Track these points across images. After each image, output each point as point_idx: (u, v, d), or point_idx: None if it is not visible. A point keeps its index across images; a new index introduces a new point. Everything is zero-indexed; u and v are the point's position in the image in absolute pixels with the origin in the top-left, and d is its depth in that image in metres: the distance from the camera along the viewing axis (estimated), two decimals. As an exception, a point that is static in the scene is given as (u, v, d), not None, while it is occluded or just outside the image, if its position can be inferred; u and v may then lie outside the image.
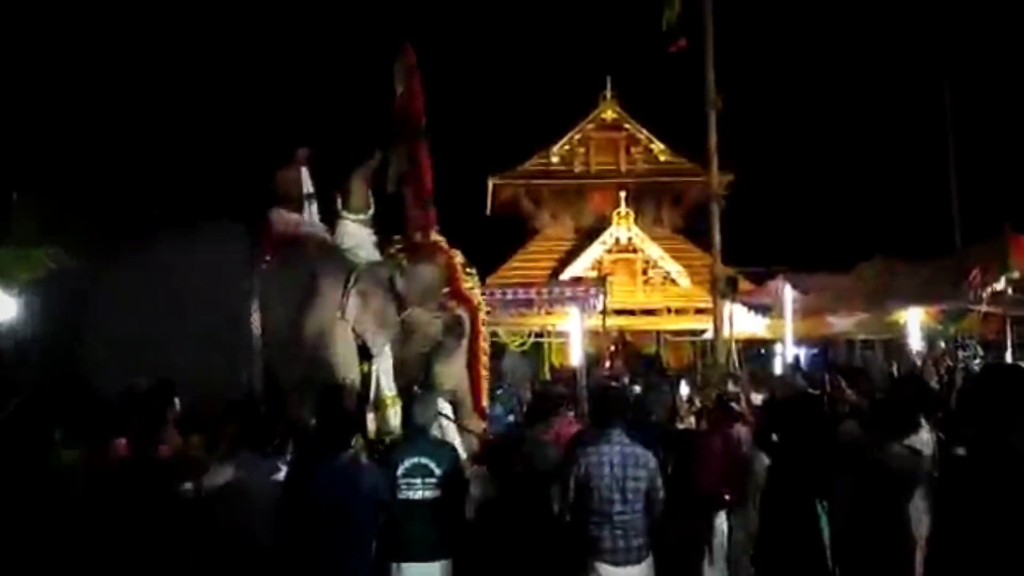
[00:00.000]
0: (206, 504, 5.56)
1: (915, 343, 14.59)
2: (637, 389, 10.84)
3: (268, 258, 8.30)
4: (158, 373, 7.05)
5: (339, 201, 8.82)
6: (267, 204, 8.85)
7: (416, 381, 8.67)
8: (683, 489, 6.50)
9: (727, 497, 6.99)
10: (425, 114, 9.33)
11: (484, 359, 8.85)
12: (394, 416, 8.11)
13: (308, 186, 9.01)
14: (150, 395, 6.50)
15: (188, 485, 5.60)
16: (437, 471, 5.81)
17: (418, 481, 5.80)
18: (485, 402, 8.96)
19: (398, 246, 8.98)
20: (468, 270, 8.99)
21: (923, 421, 6.15)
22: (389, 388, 8.19)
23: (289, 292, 8.18)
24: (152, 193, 21.51)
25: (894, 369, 12.72)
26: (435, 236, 9.16)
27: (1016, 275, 11.02)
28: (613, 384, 9.73)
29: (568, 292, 16.19)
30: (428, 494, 5.79)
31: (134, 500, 5.39)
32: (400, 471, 5.79)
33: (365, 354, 8.14)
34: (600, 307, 16.20)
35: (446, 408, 8.35)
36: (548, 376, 19.95)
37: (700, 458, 6.92)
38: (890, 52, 28.51)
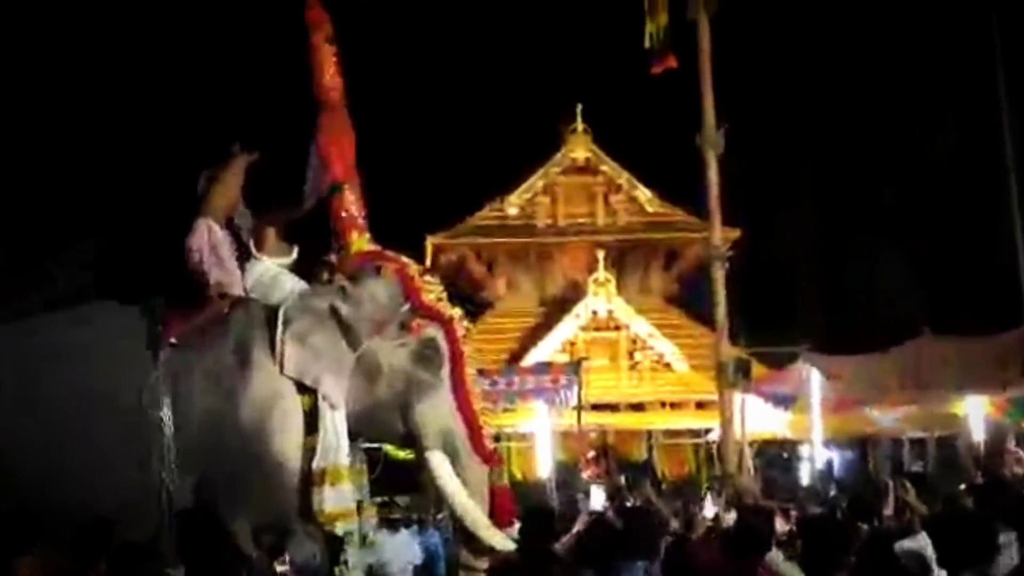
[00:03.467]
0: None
1: (978, 441, 14.71)
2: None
3: (174, 339, 8.11)
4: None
5: (252, 243, 8.73)
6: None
7: (394, 432, 8.49)
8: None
9: None
10: (339, 80, 9.31)
11: (473, 389, 8.63)
12: (352, 492, 7.94)
13: (241, 207, 8.85)
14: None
15: None
16: None
17: None
18: (488, 442, 8.71)
19: (329, 266, 8.80)
20: (427, 278, 8.81)
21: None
22: (345, 455, 8.00)
23: (212, 375, 8.03)
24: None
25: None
26: (366, 243, 9.01)
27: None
28: (644, 506, 9.57)
29: (532, 382, 16.18)
30: None
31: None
32: None
33: (311, 426, 7.98)
34: (574, 401, 16.19)
35: (442, 464, 8.21)
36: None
37: None
38: (940, 57, 29.00)
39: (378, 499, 11.83)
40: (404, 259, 8.74)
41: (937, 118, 29.31)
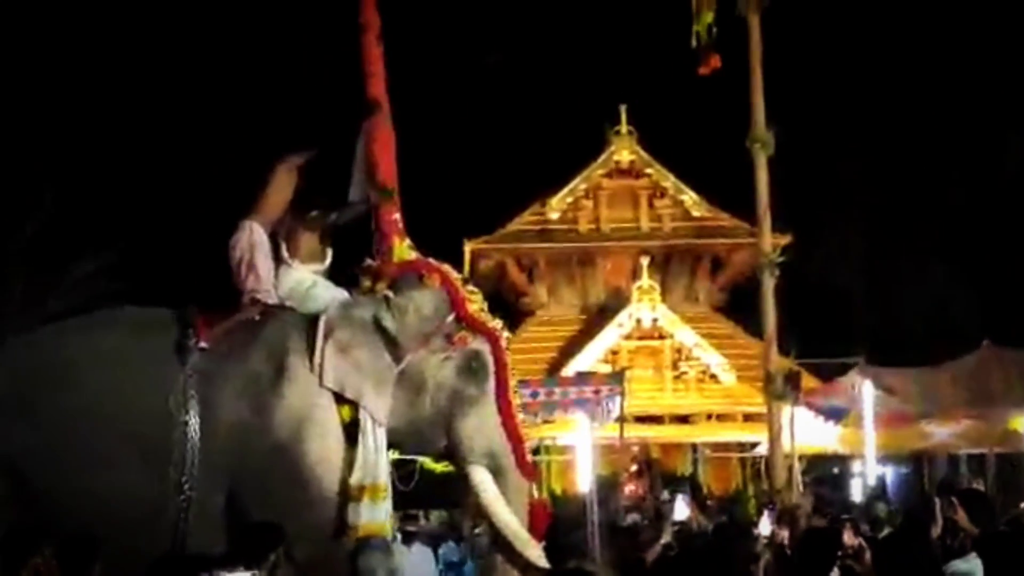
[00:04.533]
0: None
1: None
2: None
3: (204, 344, 8.14)
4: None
5: (284, 248, 8.78)
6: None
7: (436, 447, 8.54)
8: None
9: None
10: (384, 82, 9.41)
11: (516, 401, 8.67)
12: (385, 511, 7.98)
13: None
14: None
15: None
16: None
17: None
18: (529, 456, 8.75)
19: (371, 274, 8.82)
20: (470, 288, 8.84)
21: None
22: (385, 471, 8.03)
23: (244, 382, 8.05)
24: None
25: None
26: (407, 250, 9.04)
27: None
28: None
29: (573, 393, 16.11)
30: None
31: None
32: None
33: (350, 439, 8.02)
34: (616, 412, 16.13)
35: (485, 479, 8.25)
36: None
37: None
38: (997, 60, 28.77)
39: (400, 512, 11.92)
40: (447, 267, 8.77)
41: (998, 124, 29.08)
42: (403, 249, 8.98)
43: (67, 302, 19.29)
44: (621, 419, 16.44)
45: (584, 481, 16.37)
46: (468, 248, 26.40)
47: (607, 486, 18.93)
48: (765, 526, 11.29)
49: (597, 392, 16.09)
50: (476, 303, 8.61)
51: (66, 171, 23.79)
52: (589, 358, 24.41)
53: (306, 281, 8.67)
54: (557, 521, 8.28)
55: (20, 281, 21.94)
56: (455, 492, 12.51)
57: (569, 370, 23.10)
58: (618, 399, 15.90)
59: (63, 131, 24.40)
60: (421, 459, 10.18)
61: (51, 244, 22.69)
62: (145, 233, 23.84)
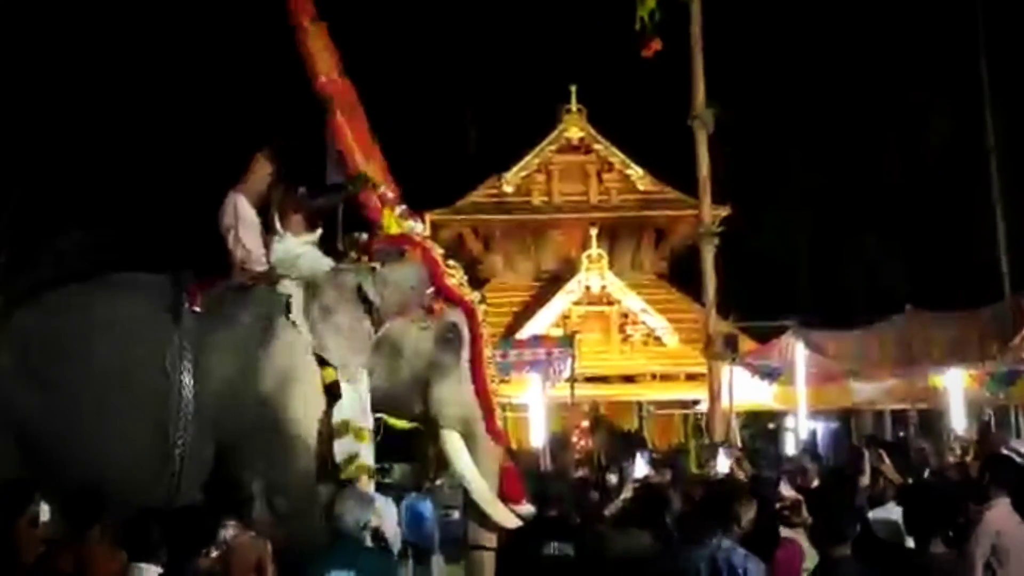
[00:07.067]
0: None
1: (957, 413, 14.82)
2: (613, 479, 10.89)
3: (197, 307, 8.20)
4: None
5: (276, 220, 8.83)
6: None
7: (412, 411, 8.63)
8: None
9: None
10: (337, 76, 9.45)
11: (490, 371, 8.77)
12: (367, 451, 8.06)
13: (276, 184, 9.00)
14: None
15: None
16: None
17: None
18: (499, 423, 8.85)
19: (356, 245, 8.90)
20: (450, 263, 8.92)
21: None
22: (364, 420, 8.10)
23: (234, 343, 8.12)
24: None
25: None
26: (396, 221, 9.10)
27: (1079, 328, 11.25)
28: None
29: (527, 355, 16.25)
30: None
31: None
32: None
33: (332, 398, 8.09)
34: (567, 373, 16.28)
35: (457, 444, 8.34)
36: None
37: None
38: (926, 43, 29.00)
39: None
40: (429, 242, 8.88)
41: (924, 101, 29.37)
42: (392, 221, 9.07)
43: (48, 274, 19.10)
44: (572, 379, 16.60)
45: (538, 437, 16.52)
46: (429, 219, 26.28)
47: (559, 442, 19.07)
48: (723, 464, 11.41)
49: (549, 354, 16.25)
50: (456, 277, 8.70)
51: (48, 146, 23.53)
52: (542, 322, 24.51)
53: (295, 250, 8.73)
54: (544, 475, 8.33)
55: (2, 254, 21.69)
56: (417, 446, 12.61)
57: (523, 334, 23.15)
58: (569, 360, 16.07)
59: (46, 107, 24.13)
60: (385, 416, 10.26)
61: (33, 217, 22.45)
62: (127, 207, 23.62)
